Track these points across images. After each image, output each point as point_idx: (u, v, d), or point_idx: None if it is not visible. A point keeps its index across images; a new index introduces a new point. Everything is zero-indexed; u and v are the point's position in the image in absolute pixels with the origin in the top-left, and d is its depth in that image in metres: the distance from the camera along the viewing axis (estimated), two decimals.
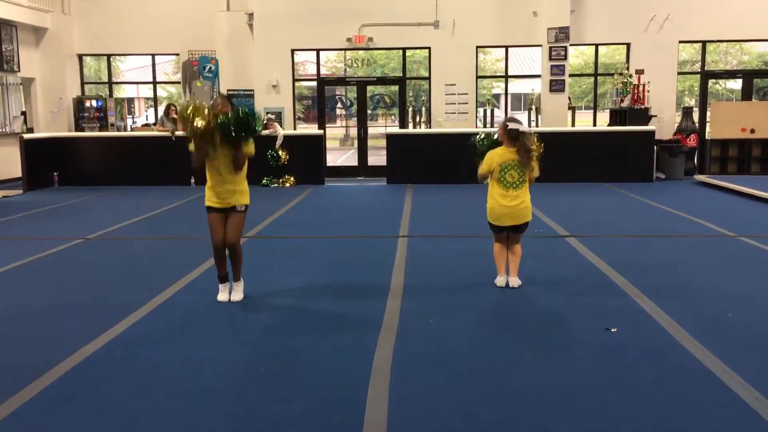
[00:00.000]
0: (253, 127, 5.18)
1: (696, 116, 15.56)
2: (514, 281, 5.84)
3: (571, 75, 15.73)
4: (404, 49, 15.79)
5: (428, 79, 15.66)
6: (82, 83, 16.71)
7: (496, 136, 5.84)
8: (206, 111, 5.10)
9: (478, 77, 15.66)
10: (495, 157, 5.71)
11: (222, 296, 5.48)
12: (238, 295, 5.51)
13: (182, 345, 4.53)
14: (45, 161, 13.61)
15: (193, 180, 13.10)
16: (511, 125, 5.63)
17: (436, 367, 4.07)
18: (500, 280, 5.85)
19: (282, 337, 4.72)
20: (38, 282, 6.30)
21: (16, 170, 13.96)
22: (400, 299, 5.50)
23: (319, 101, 16.12)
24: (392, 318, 5.01)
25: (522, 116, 18.88)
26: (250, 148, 5.30)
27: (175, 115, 14.12)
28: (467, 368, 4.07)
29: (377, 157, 15.85)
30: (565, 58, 14.78)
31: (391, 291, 5.74)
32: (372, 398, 3.61)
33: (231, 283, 5.54)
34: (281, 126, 14.18)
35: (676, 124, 15.20)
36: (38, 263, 7.00)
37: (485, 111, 16.28)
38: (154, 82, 17.43)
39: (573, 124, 15.95)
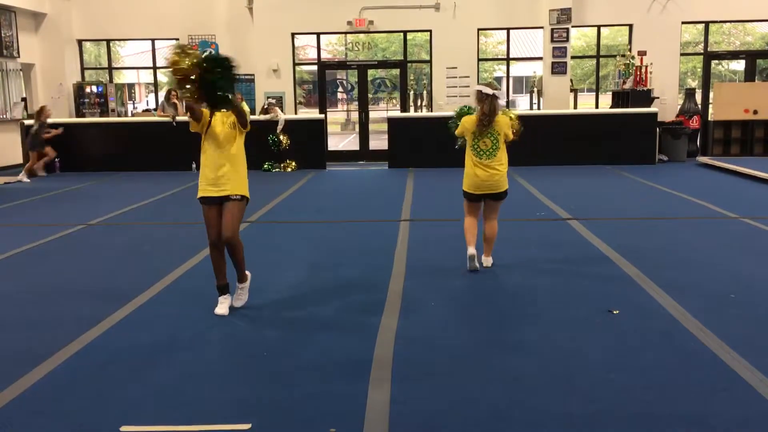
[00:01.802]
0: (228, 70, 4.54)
1: (699, 98, 15.48)
2: (488, 261, 5.83)
3: (573, 57, 15.64)
4: (405, 32, 15.71)
5: (429, 62, 15.58)
6: (82, 69, 16.64)
7: (468, 108, 5.96)
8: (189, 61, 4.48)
9: (479, 60, 15.58)
10: (468, 124, 5.70)
11: (221, 309, 4.80)
12: (239, 301, 4.95)
13: (184, 330, 4.53)
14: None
15: (194, 165, 13.06)
16: (478, 87, 5.60)
17: (438, 350, 4.07)
18: (471, 250, 5.69)
19: (284, 320, 4.71)
20: (40, 268, 6.30)
21: (17, 156, 13.95)
22: (402, 283, 5.49)
23: (320, 85, 16.06)
24: (394, 301, 5.01)
25: (524, 99, 18.81)
26: (243, 106, 4.80)
27: (176, 101, 14.08)
28: (469, 351, 4.08)
29: (379, 141, 15.81)
30: (567, 39, 14.69)
31: (393, 275, 5.74)
32: (374, 380, 3.62)
33: (235, 286, 5.03)
34: (282, 111, 14.13)
35: (679, 106, 15.12)
36: (40, 249, 7.01)
37: None
38: (155, 67, 17.34)
39: (575, 107, 15.88)
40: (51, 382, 3.70)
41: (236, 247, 4.79)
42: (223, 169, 4.72)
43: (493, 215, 5.82)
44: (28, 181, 12.56)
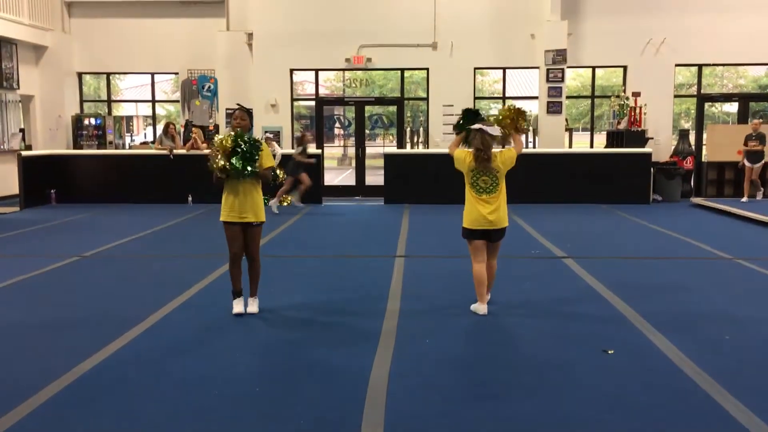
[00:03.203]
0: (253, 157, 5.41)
1: (692, 139, 15.62)
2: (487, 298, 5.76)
3: (568, 97, 15.81)
4: (402, 70, 15.89)
5: (426, 99, 15.74)
6: (81, 101, 16.76)
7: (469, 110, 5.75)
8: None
9: (475, 98, 15.73)
10: (467, 160, 5.57)
11: (237, 308, 5.59)
12: (253, 308, 5.63)
13: (176, 364, 4.49)
14: (42, 178, 13.60)
15: (190, 198, 13.09)
16: (473, 126, 5.53)
17: (431, 389, 4.04)
18: (482, 309, 5.60)
19: (277, 356, 4.69)
20: (34, 299, 6.27)
21: (13, 187, 13.95)
22: (396, 320, 5.48)
23: (318, 121, 16.18)
24: (388, 339, 4.99)
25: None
26: (266, 162, 5.58)
27: (174, 134, 14.16)
28: (463, 390, 4.05)
29: (375, 177, 15.87)
30: (563, 80, 14.87)
31: (388, 311, 5.72)
32: (367, 419, 3.59)
33: (246, 298, 5.67)
34: (279, 145, 14.21)
35: (673, 147, 15.26)
36: (34, 280, 6.98)
37: None
38: (153, 101, 17.49)
39: (570, 146, 16.01)
40: (42, 414, 3.66)
41: (256, 263, 5.63)
42: (244, 201, 5.49)
43: (493, 257, 5.76)
44: (276, 212, 12.15)
